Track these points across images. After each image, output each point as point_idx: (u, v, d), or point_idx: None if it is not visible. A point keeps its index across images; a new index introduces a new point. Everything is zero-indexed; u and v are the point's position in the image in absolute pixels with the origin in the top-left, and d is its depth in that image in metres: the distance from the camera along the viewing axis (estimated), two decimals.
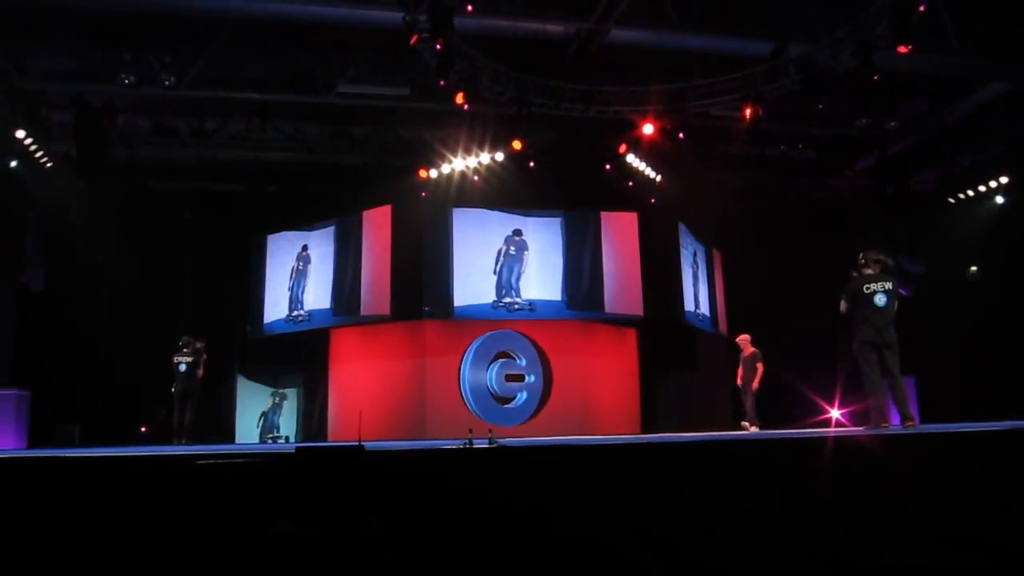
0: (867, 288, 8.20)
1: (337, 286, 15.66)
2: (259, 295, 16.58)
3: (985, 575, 5.61)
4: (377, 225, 15.38)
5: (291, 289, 16.25)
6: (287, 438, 15.98)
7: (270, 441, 15.89)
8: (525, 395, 15.29)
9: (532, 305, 15.13)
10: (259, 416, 16.54)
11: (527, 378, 15.35)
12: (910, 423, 8.14)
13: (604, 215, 15.56)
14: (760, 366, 12.57)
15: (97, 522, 4.94)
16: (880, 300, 8.11)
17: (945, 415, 13.03)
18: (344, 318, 15.56)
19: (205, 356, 12.42)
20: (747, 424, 12.63)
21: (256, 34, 12.52)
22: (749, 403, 12.64)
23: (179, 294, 16.11)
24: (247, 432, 16.36)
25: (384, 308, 14.85)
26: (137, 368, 14.76)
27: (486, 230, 15.35)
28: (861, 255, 8.45)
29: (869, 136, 15.82)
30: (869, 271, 8.35)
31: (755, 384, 12.51)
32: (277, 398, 16.24)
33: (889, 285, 8.18)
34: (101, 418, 14.41)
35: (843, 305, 8.41)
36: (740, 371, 12.92)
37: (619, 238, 15.82)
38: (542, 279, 15.30)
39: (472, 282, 15.05)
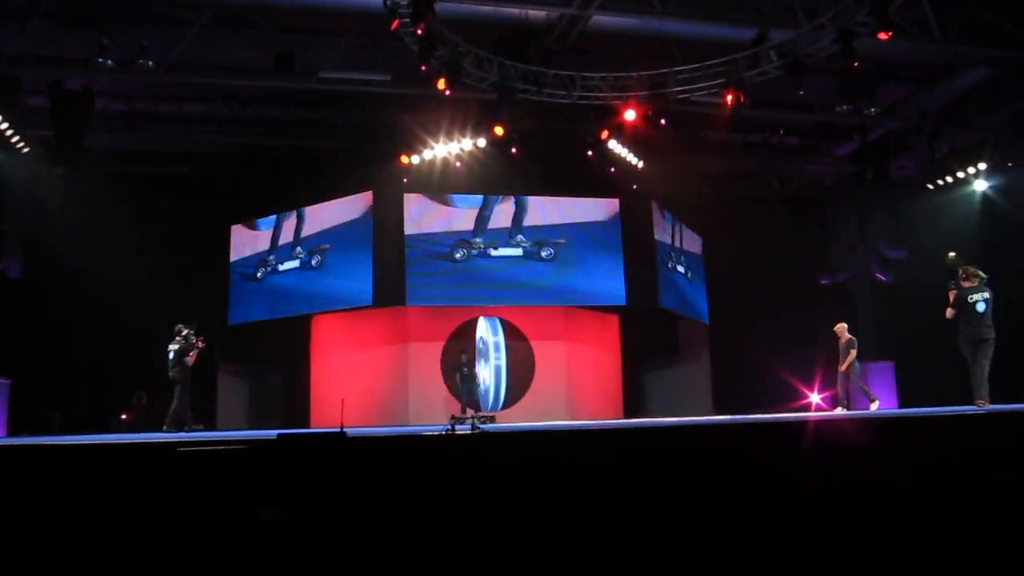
0: (971, 298, 9.61)
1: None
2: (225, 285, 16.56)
3: (955, 554, 5.69)
4: (359, 210, 15.35)
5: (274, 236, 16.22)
6: (492, 418, 14.84)
7: (458, 424, 14.17)
8: (508, 381, 15.34)
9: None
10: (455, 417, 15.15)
11: (509, 364, 15.39)
12: (980, 402, 9.40)
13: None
14: (852, 352, 12.88)
15: (77, 510, 4.92)
16: (980, 307, 9.57)
17: (923, 399, 13.17)
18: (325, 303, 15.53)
19: (201, 344, 12.23)
20: (842, 409, 12.87)
21: (237, 18, 12.41)
22: (846, 388, 12.88)
23: (160, 280, 16.00)
24: (228, 418, 16.27)
25: (366, 294, 14.84)
26: (118, 355, 14.66)
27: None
28: (961, 271, 9.73)
29: (850, 122, 15.88)
30: (969, 284, 9.68)
31: (843, 367, 12.93)
32: (466, 369, 14.77)
33: (987, 294, 9.59)
34: (81, 406, 14.33)
35: (950, 312, 9.75)
36: (841, 357, 13.20)
37: (601, 224, 15.87)
38: None
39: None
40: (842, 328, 13.25)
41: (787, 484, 5.71)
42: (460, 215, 15.39)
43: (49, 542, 4.81)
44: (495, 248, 15.27)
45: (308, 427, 14.83)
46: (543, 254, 15.36)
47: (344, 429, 5.05)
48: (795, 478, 5.72)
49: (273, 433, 5.10)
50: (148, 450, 5.94)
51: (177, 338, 12.04)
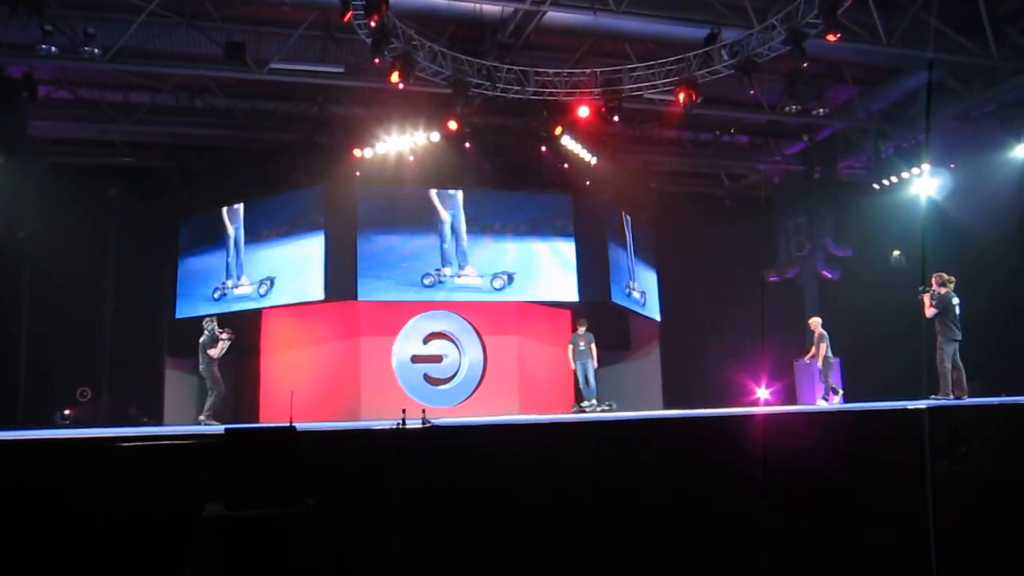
0: (953, 300, 10.27)
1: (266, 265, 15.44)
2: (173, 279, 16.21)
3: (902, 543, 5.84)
4: (310, 204, 15.19)
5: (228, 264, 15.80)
6: (611, 405, 13.96)
7: (582, 411, 13.56)
8: (459, 376, 15.32)
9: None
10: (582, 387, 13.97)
11: (461, 359, 15.37)
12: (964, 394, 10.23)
13: None
14: (823, 345, 13.26)
15: (17, 506, 4.81)
16: (958, 310, 10.30)
17: (867, 394, 13.45)
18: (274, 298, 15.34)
19: (225, 336, 12.06)
20: (824, 400, 13.17)
21: (186, 6, 12.20)
22: (825, 378, 13.16)
23: (105, 272, 15.68)
24: (176, 414, 15.96)
25: (317, 288, 14.71)
26: (61, 349, 14.34)
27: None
28: (935, 277, 10.43)
29: (798, 122, 16.15)
30: (945, 290, 10.32)
31: (807, 357, 13.40)
32: (582, 343, 13.79)
33: (959, 300, 10.30)
34: (22, 400, 14.00)
35: (932, 311, 10.31)
36: (811, 350, 13.48)
37: (553, 220, 15.92)
38: None
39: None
40: (815, 322, 13.63)
41: (734, 475, 5.80)
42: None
43: None
44: (458, 277, 15.27)
45: (257, 422, 14.64)
46: (495, 284, 15.31)
47: (293, 424, 5.01)
48: (743, 469, 5.81)
49: (221, 428, 5.03)
50: (91, 446, 5.82)
51: (205, 332, 11.96)
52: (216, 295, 15.83)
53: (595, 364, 14.02)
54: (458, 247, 15.33)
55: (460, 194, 15.41)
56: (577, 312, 16.70)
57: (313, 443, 5.38)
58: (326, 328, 15.46)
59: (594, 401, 13.94)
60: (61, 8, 11.77)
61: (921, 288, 10.42)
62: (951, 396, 10.21)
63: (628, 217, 17.63)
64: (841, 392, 13.64)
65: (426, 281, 15.06)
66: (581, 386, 14.09)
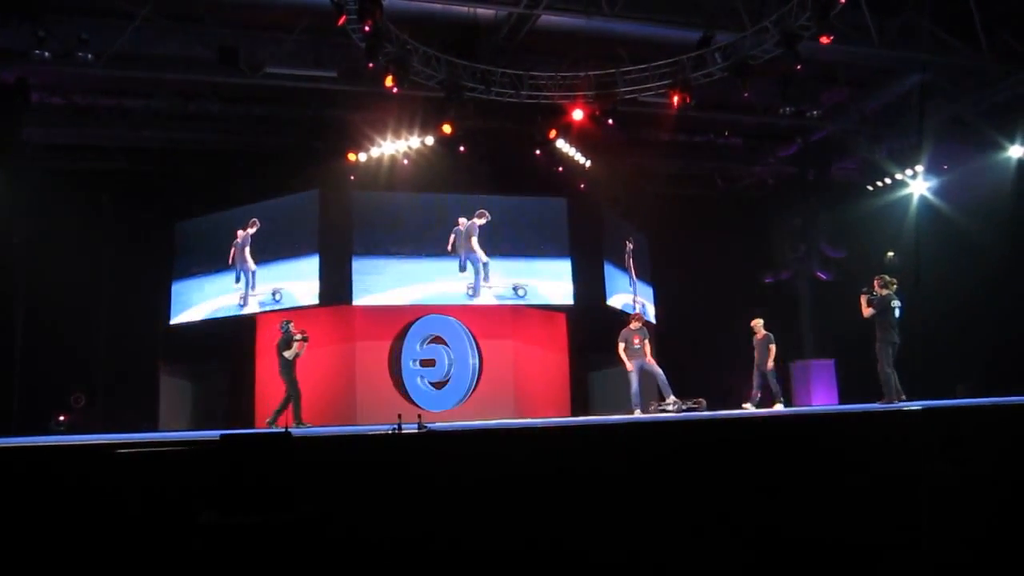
0: (893, 303, 10.44)
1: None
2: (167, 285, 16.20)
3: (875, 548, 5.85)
4: (305, 208, 15.19)
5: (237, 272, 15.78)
6: (701, 402, 13.05)
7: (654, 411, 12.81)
8: (455, 380, 15.31)
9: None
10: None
11: (457, 363, 15.36)
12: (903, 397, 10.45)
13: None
14: (773, 348, 13.09)
15: (12, 513, 4.79)
16: (898, 312, 10.47)
17: (861, 396, 13.47)
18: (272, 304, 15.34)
19: (299, 337, 11.99)
20: (774, 404, 13.08)
21: (180, 11, 12.20)
22: (772, 383, 13.02)
23: (99, 278, 15.64)
24: (170, 419, 15.94)
25: (312, 293, 14.70)
26: (55, 355, 14.30)
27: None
28: (877, 279, 10.64)
29: (792, 124, 16.19)
30: (886, 291, 10.51)
31: (770, 364, 13.04)
32: (636, 340, 12.67)
33: (899, 303, 10.53)
34: (16, 407, 13.95)
35: (869, 311, 10.55)
36: (756, 353, 13.38)
37: (548, 224, 15.94)
38: None
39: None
40: (758, 324, 13.46)
41: (729, 479, 5.80)
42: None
43: None
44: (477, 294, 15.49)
45: (253, 428, 14.60)
46: (519, 293, 15.49)
47: (289, 429, 5.00)
48: (738, 472, 5.81)
49: (216, 434, 5.02)
50: (86, 452, 5.80)
51: (281, 334, 11.94)
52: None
53: (650, 360, 12.88)
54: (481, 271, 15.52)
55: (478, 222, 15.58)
56: (572, 315, 16.74)
57: (309, 448, 5.37)
58: (321, 333, 15.43)
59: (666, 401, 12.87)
60: (54, 14, 11.75)
61: (864, 289, 10.68)
62: (897, 400, 10.33)
63: (631, 243, 17.71)
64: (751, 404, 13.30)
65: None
66: (635, 389, 12.67)
